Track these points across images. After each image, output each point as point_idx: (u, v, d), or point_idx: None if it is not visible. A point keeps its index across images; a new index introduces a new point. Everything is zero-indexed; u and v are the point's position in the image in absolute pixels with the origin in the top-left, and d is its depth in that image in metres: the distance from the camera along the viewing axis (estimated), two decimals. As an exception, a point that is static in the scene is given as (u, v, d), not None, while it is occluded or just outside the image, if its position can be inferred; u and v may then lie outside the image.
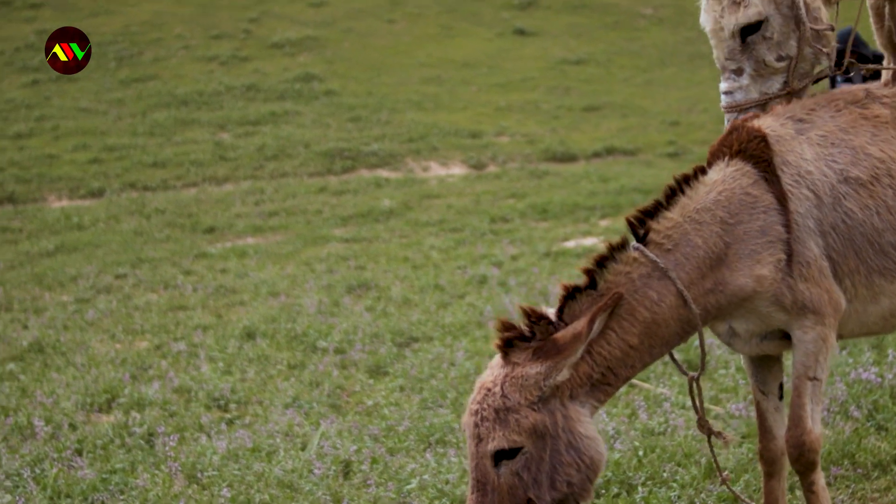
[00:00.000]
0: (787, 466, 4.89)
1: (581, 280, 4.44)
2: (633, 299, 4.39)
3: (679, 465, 6.09)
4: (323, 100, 24.68)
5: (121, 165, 20.64)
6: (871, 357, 7.66)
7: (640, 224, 4.52)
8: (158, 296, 12.29)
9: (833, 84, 9.91)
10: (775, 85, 4.80)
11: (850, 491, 5.68)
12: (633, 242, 4.49)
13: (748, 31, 4.75)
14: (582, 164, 20.43)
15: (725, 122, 4.85)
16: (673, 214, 4.51)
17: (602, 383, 4.40)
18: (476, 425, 4.26)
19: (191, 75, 26.21)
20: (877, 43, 5.25)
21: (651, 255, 4.44)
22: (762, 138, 4.60)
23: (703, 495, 5.67)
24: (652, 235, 4.48)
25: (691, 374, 4.73)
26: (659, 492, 5.75)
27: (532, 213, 16.13)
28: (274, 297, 11.71)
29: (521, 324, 4.36)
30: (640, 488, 5.81)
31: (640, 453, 6.23)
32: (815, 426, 4.59)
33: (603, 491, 5.83)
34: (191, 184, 19.75)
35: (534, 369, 4.25)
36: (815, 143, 4.65)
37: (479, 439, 4.25)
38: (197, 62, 27.17)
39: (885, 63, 5.22)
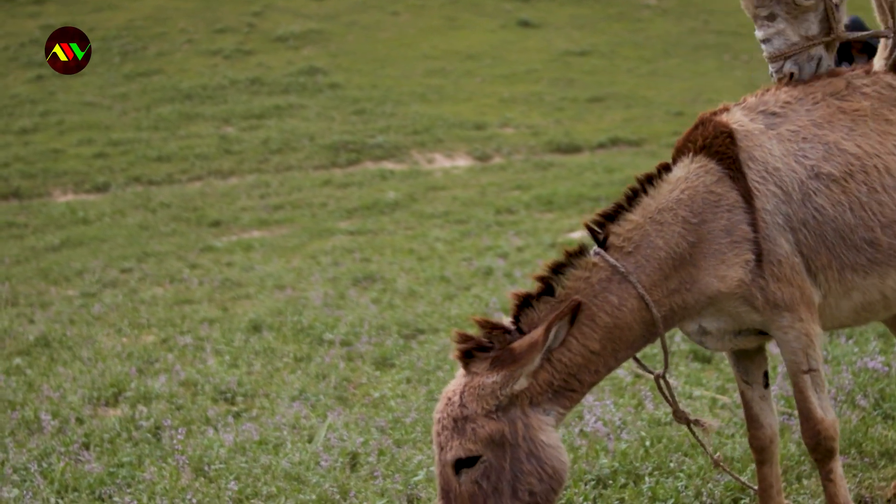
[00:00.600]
0: (777, 453, 4.89)
1: (534, 287, 4.42)
2: (594, 304, 4.35)
3: (686, 455, 6.09)
4: (327, 93, 24.66)
5: (126, 160, 20.64)
6: (878, 346, 7.66)
7: (601, 228, 4.48)
8: (164, 290, 12.30)
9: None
10: (812, 26, 4.68)
11: (858, 480, 5.67)
12: (594, 247, 4.44)
13: None
14: (587, 155, 20.41)
15: (770, 72, 4.72)
16: (634, 216, 4.46)
17: (566, 390, 4.37)
18: (438, 434, 4.30)
19: (195, 69, 26.20)
20: (877, 19, 5.12)
21: (610, 259, 4.40)
22: (728, 134, 4.51)
23: (710, 485, 5.67)
24: (612, 239, 4.43)
25: (656, 371, 4.72)
26: (666, 482, 5.74)
27: (537, 204, 16.11)
28: (280, 289, 11.71)
29: (479, 334, 4.36)
30: (647, 478, 5.81)
31: (647, 443, 6.22)
32: (827, 413, 4.56)
33: (610, 481, 5.83)
34: (196, 178, 19.75)
35: (490, 378, 4.27)
36: (785, 138, 4.55)
37: (441, 447, 4.29)
38: (201, 56, 27.16)
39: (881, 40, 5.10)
